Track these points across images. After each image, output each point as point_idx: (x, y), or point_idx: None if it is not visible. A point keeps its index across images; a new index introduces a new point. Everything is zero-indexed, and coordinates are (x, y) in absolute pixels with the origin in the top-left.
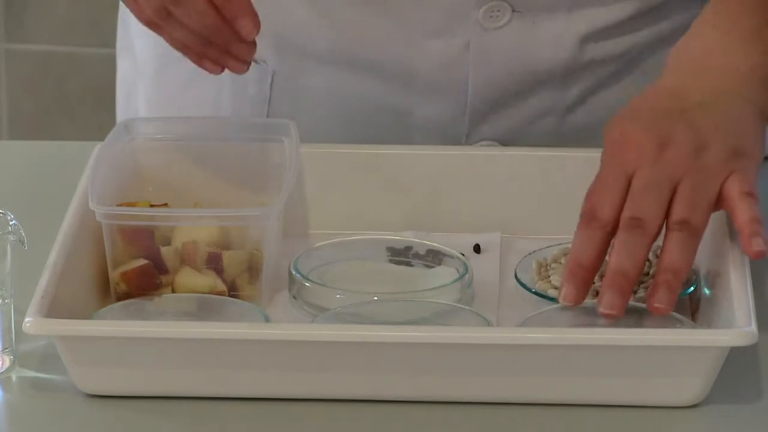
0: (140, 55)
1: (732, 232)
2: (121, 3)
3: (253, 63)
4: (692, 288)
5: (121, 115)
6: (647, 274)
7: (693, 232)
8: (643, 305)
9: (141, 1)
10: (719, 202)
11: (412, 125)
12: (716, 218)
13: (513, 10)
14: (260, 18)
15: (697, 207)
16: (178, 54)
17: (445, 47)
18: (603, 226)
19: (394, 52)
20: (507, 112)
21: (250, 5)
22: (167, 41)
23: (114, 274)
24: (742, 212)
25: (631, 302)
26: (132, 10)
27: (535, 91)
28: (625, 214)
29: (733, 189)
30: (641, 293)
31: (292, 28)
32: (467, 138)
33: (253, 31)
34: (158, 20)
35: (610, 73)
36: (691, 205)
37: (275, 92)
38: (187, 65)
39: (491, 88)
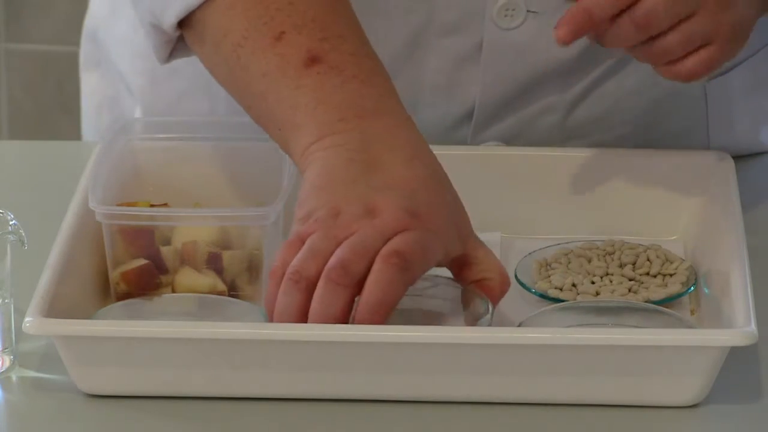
0: (126, 73)
1: (731, 232)
2: (90, 19)
3: None
4: (692, 287)
5: (88, 128)
6: (647, 273)
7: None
8: (645, 305)
9: (304, 267)
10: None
11: (417, 127)
12: (715, 217)
13: (527, 11)
14: None
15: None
16: (166, 69)
17: (457, 45)
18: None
19: (403, 50)
20: (512, 112)
21: None
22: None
23: (114, 274)
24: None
25: (631, 302)
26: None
27: (541, 89)
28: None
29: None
30: (642, 293)
31: None
32: (472, 139)
33: None
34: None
35: (611, 64)
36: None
37: None
38: (178, 79)
39: (499, 87)
